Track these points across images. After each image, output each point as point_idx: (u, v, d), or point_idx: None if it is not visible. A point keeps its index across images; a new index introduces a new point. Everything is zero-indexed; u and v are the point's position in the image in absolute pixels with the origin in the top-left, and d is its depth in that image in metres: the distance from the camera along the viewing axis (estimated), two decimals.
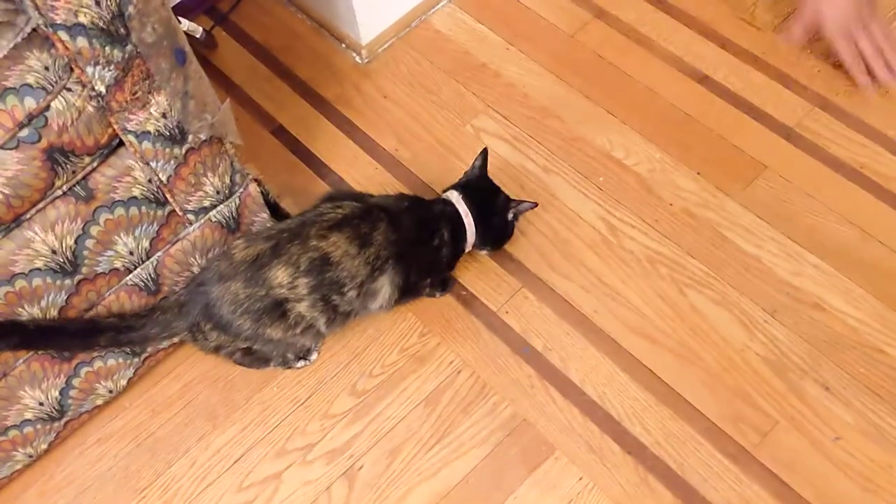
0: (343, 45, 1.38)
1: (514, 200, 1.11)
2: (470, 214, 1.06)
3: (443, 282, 1.13)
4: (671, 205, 1.19)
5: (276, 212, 1.11)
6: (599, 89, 1.30)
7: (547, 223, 1.19)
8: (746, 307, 1.10)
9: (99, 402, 1.04)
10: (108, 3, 0.75)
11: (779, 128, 1.23)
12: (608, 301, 1.13)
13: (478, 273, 1.16)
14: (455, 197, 1.07)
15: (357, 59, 1.37)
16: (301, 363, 1.09)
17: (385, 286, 1.02)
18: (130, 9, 0.76)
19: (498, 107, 1.30)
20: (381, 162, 1.27)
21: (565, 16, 1.37)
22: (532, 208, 1.12)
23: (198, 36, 1.30)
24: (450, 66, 1.35)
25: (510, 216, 1.11)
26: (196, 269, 1.02)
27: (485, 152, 1.11)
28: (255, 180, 1.04)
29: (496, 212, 1.09)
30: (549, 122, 1.28)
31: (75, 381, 0.99)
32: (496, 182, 1.13)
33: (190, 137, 0.90)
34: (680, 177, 1.21)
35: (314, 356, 1.10)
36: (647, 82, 1.30)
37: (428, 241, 1.04)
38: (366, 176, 1.26)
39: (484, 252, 1.15)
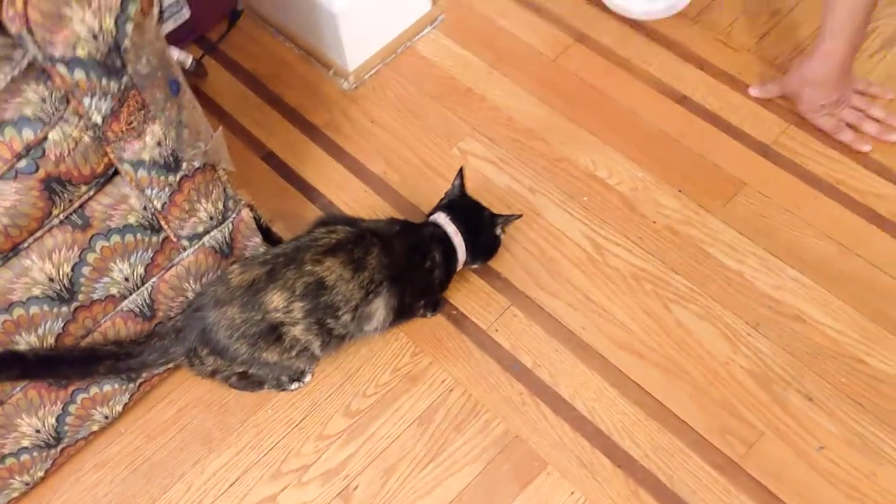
0: (331, 72, 1.41)
1: (499, 215, 1.14)
2: (459, 234, 1.09)
3: (434, 302, 1.15)
4: (654, 222, 1.21)
5: (268, 236, 1.13)
6: (582, 111, 1.33)
7: (534, 242, 1.22)
8: (730, 321, 1.13)
9: (95, 427, 1.05)
10: (106, 36, 0.77)
11: (756, 145, 1.27)
12: (595, 318, 1.15)
13: (467, 293, 1.18)
14: (443, 219, 1.09)
15: (344, 85, 1.40)
16: (295, 385, 1.11)
17: (380, 309, 1.03)
18: (126, 42, 0.79)
19: (483, 130, 1.33)
20: (370, 185, 1.30)
21: (547, 40, 1.41)
22: (517, 219, 1.15)
23: (188, 65, 1.32)
24: (435, 91, 1.38)
25: (497, 231, 1.13)
26: (190, 295, 1.04)
27: (461, 171, 1.14)
28: (248, 205, 1.06)
29: (483, 228, 1.12)
30: (533, 144, 1.31)
31: (72, 408, 1.00)
32: (484, 202, 1.15)
33: (184, 165, 0.92)
34: (662, 195, 1.24)
35: (308, 378, 1.12)
36: (628, 103, 1.33)
37: (420, 263, 1.06)
38: (355, 199, 1.28)
39: (475, 266, 1.17)
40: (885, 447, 1.03)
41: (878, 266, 1.15)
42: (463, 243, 1.09)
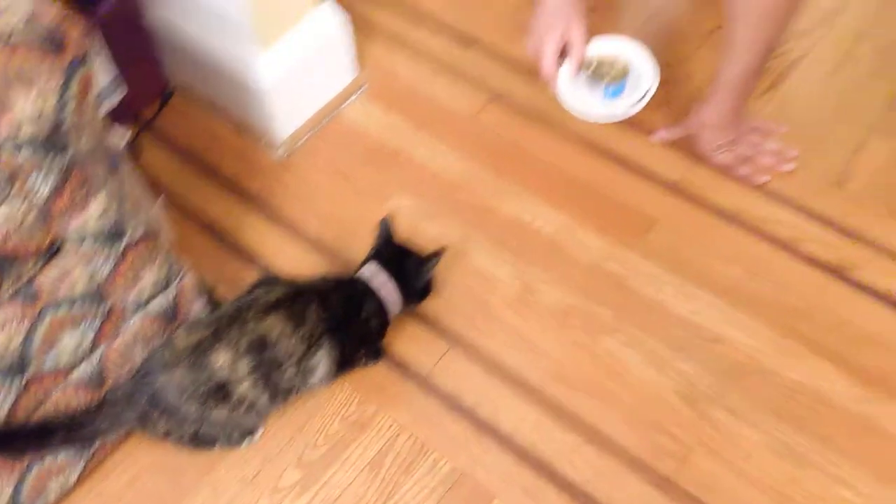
0: (263, 143, 1.48)
1: (426, 258, 1.18)
2: (389, 283, 1.14)
3: (375, 351, 1.20)
4: (578, 261, 1.30)
5: (211, 300, 1.17)
6: (503, 163, 1.42)
7: (467, 287, 1.28)
8: (654, 347, 1.20)
9: (52, 497, 1.06)
10: (48, 117, 0.82)
11: (665, 183, 1.37)
12: (529, 354, 1.22)
13: (408, 339, 1.24)
14: (372, 269, 1.15)
15: (277, 154, 1.46)
16: (247, 441, 1.14)
17: (322, 361, 1.08)
18: (68, 121, 0.84)
19: (412, 186, 1.40)
20: (307, 246, 1.35)
21: (465, 100, 1.50)
22: (442, 255, 1.19)
23: (125, 141, 1.37)
24: (364, 154, 1.45)
25: (426, 272, 1.18)
26: (139, 360, 1.07)
27: (384, 221, 1.20)
28: (190, 271, 1.10)
29: (411, 272, 1.17)
30: (460, 196, 1.39)
31: (28, 479, 1.01)
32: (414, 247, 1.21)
33: (127, 235, 0.97)
34: (583, 235, 1.32)
35: (259, 433, 1.15)
36: (545, 153, 1.42)
37: (356, 314, 1.12)
38: (293, 260, 1.33)
39: (412, 310, 1.22)
40: (806, 451, 1.11)
41: (784, 285, 1.25)
42: (394, 290, 1.15)
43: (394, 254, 1.18)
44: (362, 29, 1.60)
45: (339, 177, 1.43)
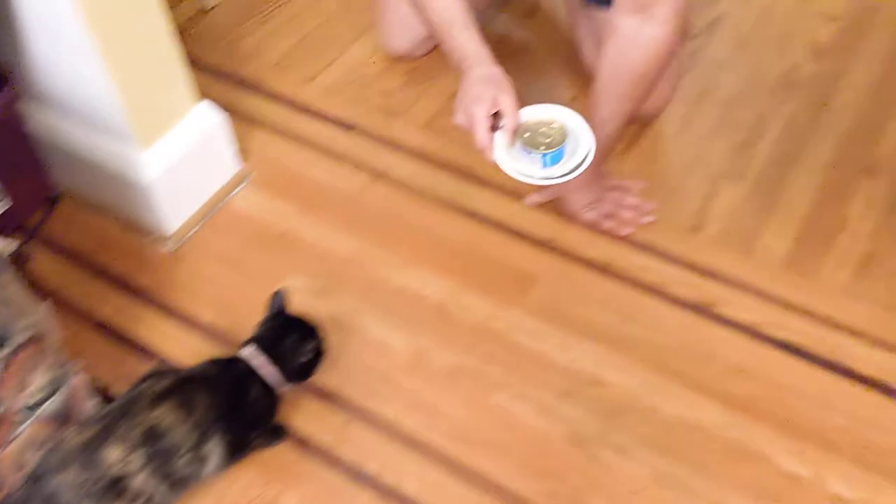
0: (151, 238, 1.51)
1: (306, 337, 1.21)
2: (269, 363, 1.17)
3: (273, 431, 1.22)
4: (465, 322, 1.37)
5: (106, 398, 1.18)
6: (389, 236, 1.49)
7: (363, 358, 1.33)
8: (541, 397, 1.27)
9: None
10: None
11: (540, 243, 1.46)
12: (427, 416, 1.26)
13: (308, 415, 1.27)
14: (250, 351, 1.18)
15: (166, 247, 1.50)
16: None
17: (216, 447, 1.10)
18: None
19: (303, 267, 1.46)
20: (203, 336, 1.38)
21: (349, 180, 1.58)
22: (319, 329, 1.22)
23: (11, 251, 1.38)
24: (254, 240, 1.50)
25: (309, 348, 1.21)
26: (32, 465, 1.07)
27: (279, 292, 1.24)
28: (82, 371, 1.12)
29: (292, 349, 1.19)
30: (350, 271, 1.45)
31: None
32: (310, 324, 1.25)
33: (10, 342, 0.98)
34: (469, 297, 1.39)
35: None
36: (428, 224, 1.50)
37: (244, 397, 1.15)
38: (190, 351, 1.35)
39: (301, 384, 1.25)
40: (688, 480, 1.18)
41: (654, 327, 1.34)
42: (274, 371, 1.17)
43: (275, 332, 1.21)
44: (246, 121, 1.68)
45: (231, 264, 1.47)
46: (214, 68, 1.80)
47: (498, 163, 1.23)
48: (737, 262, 1.42)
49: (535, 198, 1.50)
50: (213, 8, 1.94)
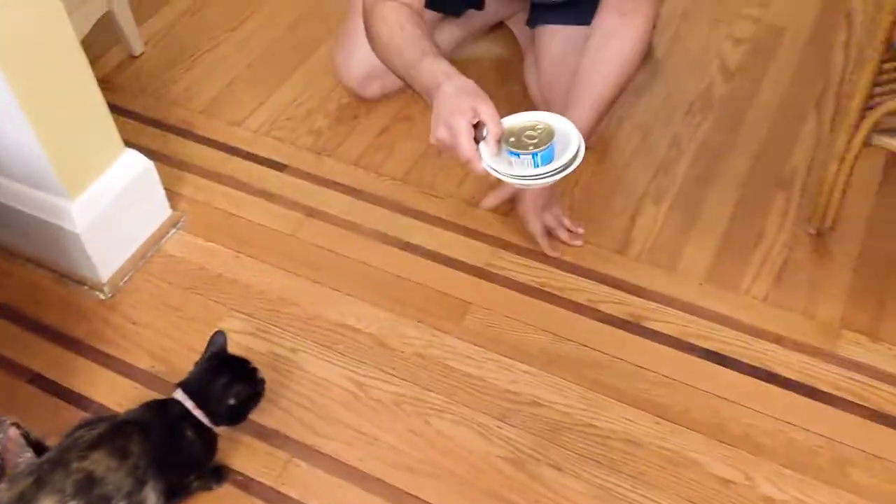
0: (86, 287, 1.50)
1: (239, 376, 1.21)
2: (198, 407, 1.16)
3: (214, 473, 1.22)
4: (403, 352, 1.39)
5: (41, 451, 1.17)
6: (324, 273, 1.51)
7: (303, 395, 1.34)
8: (481, 420, 1.30)
9: None
10: None
11: (473, 270, 1.49)
12: (368, 448, 1.28)
13: (248, 455, 1.27)
14: (180, 395, 1.18)
15: (101, 296, 1.49)
16: None
17: (152, 492, 1.09)
18: None
19: (239, 307, 1.46)
20: (141, 382, 1.37)
21: (282, 220, 1.60)
22: (254, 370, 1.22)
23: None
24: (189, 283, 1.50)
25: (237, 391, 1.19)
26: None
27: (214, 336, 1.24)
28: (14, 424, 1.10)
29: (219, 392, 1.18)
30: (287, 310, 1.46)
31: None
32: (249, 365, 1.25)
33: None
34: (405, 328, 1.42)
35: None
36: (362, 258, 1.53)
37: (178, 440, 1.15)
38: (128, 398, 1.34)
39: (238, 426, 1.24)
40: (624, 492, 1.21)
41: (586, 344, 1.38)
42: (204, 414, 1.17)
43: (203, 374, 1.20)
44: (177, 165, 1.69)
45: (167, 309, 1.47)
46: (143, 115, 1.81)
47: (489, 170, 1.21)
48: (662, 278, 1.47)
49: (490, 200, 1.45)
50: (140, 55, 1.95)
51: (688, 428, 1.28)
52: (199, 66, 1.93)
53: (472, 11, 1.75)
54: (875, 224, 1.52)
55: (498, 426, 1.29)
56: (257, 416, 1.26)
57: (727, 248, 1.51)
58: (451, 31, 1.79)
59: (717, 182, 1.62)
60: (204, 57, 1.95)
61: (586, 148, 1.25)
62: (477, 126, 1.21)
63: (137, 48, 1.94)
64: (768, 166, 1.64)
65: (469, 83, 1.25)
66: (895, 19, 1.21)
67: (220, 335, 1.25)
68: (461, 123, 1.19)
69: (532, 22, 1.70)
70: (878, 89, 1.29)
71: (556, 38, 1.63)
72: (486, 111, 1.20)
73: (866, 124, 1.30)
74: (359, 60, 1.70)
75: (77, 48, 1.33)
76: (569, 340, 1.39)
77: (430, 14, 1.60)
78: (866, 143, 1.33)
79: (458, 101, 1.21)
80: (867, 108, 1.30)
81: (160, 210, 1.56)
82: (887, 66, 1.30)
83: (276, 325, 1.44)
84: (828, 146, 1.47)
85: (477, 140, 1.21)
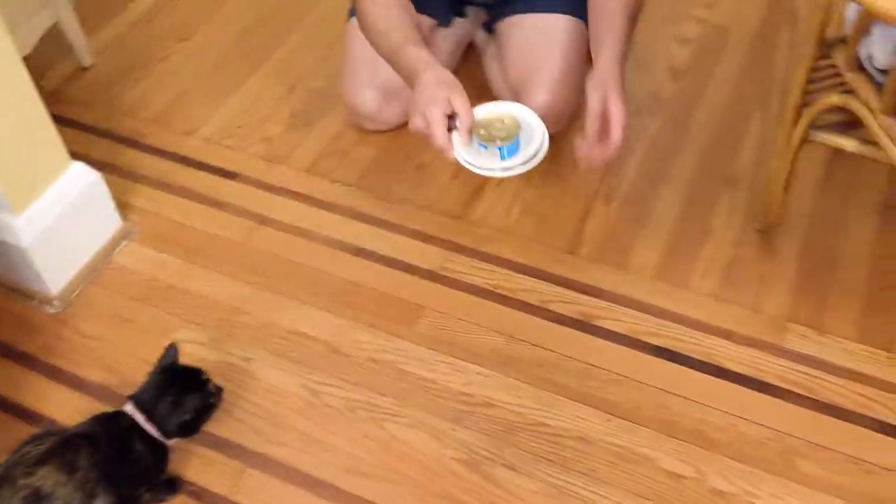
0: (36, 301, 1.48)
1: (190, 388, 1.20)
2: (149, 420, 1.16)
3: (167, 484, 1.22)
4: (356, 358, 1.39)
5: None
6: (277, 280, 1.51)
7: (256, 404, 1.34)
8: (435, 423, 1.30)
9: None
10: None
11: (426, 274, 1.50)
12: (323, 454, 1.28)
13: (202, 465, 1.27)
14: (129, 408, 1.17)
15: (51, 309, 1.47)
16: None
17: None
18: None
19: (192, 318, 1.46)
20: (93, 395, 1.36)
21: (233, 227, 1.59)
22: (207, 381, 1.22)
23: None
24: (141, 295, 1.49)
25: (187, 403, 1.18)
26: None
27: (167, 348, 1.23)
28: None
29: (169, 406, 1.17)
30: (240, 319, 1.46)
31: None
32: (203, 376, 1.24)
33: None
34: (358, 333, 1.42)
35: None
36: (315, 265, 1.53)
37: (128, 452, 1.14)
38: (79, 412, 1.32)
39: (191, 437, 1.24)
40: (576, 489, 1.23)
41: (538, 344, 1.40)
42: (154, 427, 1.16)
43: (154, 387, 1.19)
44: (128, 176, 1.68)
45: (119, 321, 1.46)
46: (94, 126, 1.80)
47: (459, 160, 1.30)
48: (613, 277, 1.49)
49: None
50: (91, 66, 1.93)
51: (639, 424, 1.30)
52: (151, 76, 1.92)
53: (458, 20, 1.75)
54: (818, 219, 1.55)
55: (452, 428, 1.30)
56: (211, 426, 1.25)
57: (676, 246, 1.53)
58: (444, 38, 1.75)
59: (666, 181, 1.64)
60: (156, 67, 1.94)
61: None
62: (452, 116, 1.28)
63: (87, 60, 1.93)
64: (716, 165, 1.67)
65: (447, 74, 1.32)
66: (828, 17, 1.24)
67: (172, 348, 1.24)
68: (436, 114, 1.26)
69: (494, 19, 1.70)
70: (813, 86, 1.32)
71: (523, 25, 1.63)
72: (460, 103, 1.27)
73: (804, 121, 1.33)
74: (368, 78, 1.65)
75: (18, 62, 1.32)
76: (521, 341, 1.40)
77: (427, 22, 1.64)
78: (806, 140, 1.36)
79: (434, 92, 1.28)
80: (804, 104, 1.33)
81: (110, 222, 1.55)
82: (822, 62, 1.33)
83: (228, 335, 1.43)
84: (771, 144, 1.50)
85: (451, 130, 1.28)
